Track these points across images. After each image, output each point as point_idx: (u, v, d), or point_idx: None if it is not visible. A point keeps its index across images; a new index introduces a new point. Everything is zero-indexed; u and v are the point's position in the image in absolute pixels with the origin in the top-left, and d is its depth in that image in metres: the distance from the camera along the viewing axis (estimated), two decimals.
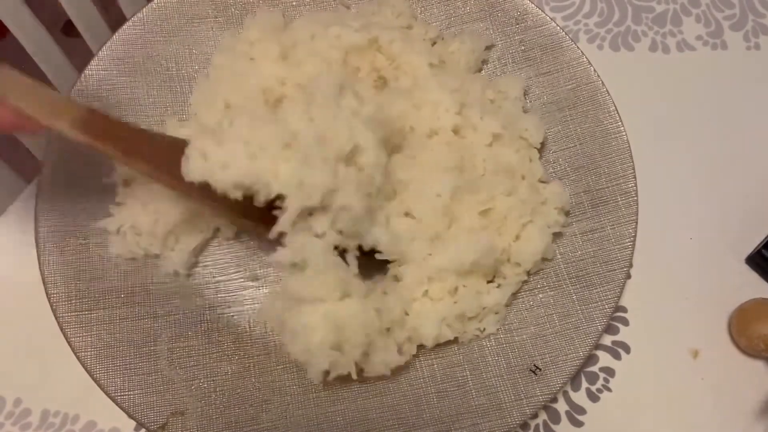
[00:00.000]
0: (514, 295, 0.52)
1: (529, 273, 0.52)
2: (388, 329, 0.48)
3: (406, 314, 0.49)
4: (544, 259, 0.52)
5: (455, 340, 0.50)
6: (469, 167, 0.51)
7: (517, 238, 0.51)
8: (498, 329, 0.50)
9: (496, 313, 0.50)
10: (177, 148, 0.44)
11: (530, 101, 0.58)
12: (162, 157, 0.45)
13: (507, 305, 0.51)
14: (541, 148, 0.56)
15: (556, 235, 0.53)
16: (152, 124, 0.55)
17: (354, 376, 0.46)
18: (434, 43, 0.59)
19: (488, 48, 0.59)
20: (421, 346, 0.49)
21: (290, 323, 0.45)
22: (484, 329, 0.50)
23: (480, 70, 0.60)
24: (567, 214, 0.54)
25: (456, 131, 0.52)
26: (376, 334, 0.46)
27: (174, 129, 0.53)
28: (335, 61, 0.53)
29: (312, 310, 0.44)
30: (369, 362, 0.47)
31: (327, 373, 0.45)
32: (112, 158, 0.45)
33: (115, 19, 0.79)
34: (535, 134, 0.55)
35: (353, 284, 0.46)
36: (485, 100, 0.55)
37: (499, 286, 0.51)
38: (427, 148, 0.51)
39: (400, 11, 0.58)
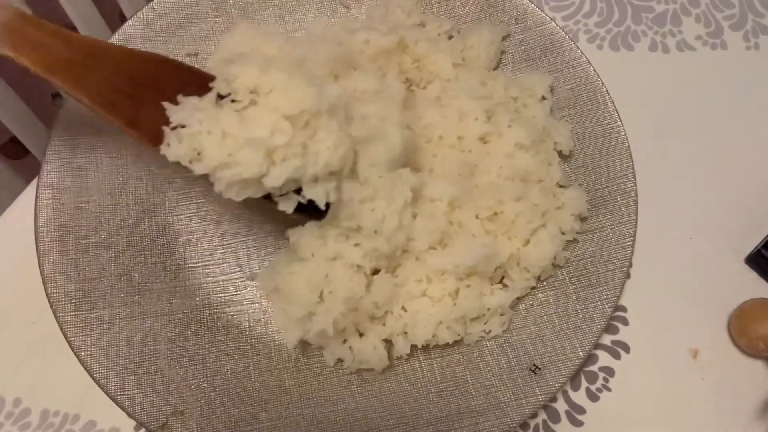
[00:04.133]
0: (518, 297, 0.52)
1: (539, 278, 0.52)
2: (380, 317, 0.49)
3: (404, 309, 0.49)
4: (555, 266, 0.52)
5: (458, 342, 0.50)
6: (483, 173, 0.51)
7: (527, 242, 0.50)
8: (504, 332, 0.50)
9: (502, 315, 0.50)
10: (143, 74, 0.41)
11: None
12: (114, 82, 0.42)
13: (512, 307, 0.51)
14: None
15: (570, 242, 0.53)
16: None
17: (330, 333, 0.46)
18: (450, 37, 0.59)
19: (505, 38, 0.59)
20: (417, 347, 0.49)
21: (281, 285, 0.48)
22: (490, 331, 0.50)
23: (500, 63, 0.59)
24: (583, 220, 0.53)
25: (483, 139, 0.52)
26: (363, 314, 0.48)
27: None
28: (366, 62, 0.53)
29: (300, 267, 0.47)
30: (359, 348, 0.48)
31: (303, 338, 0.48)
32: (35, 73, 0.41)
33: (116, 19, 0.79)
34: (566, 142, 0.54)
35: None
36: (509, 100, 0.55)
37: (504, 287, 0.51)
38: (439, 155, 0.51)
39: (409, 10, 0.58)
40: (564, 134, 0.54)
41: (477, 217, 0.49)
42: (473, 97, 0.52)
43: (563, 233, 0.52)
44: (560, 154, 0.55)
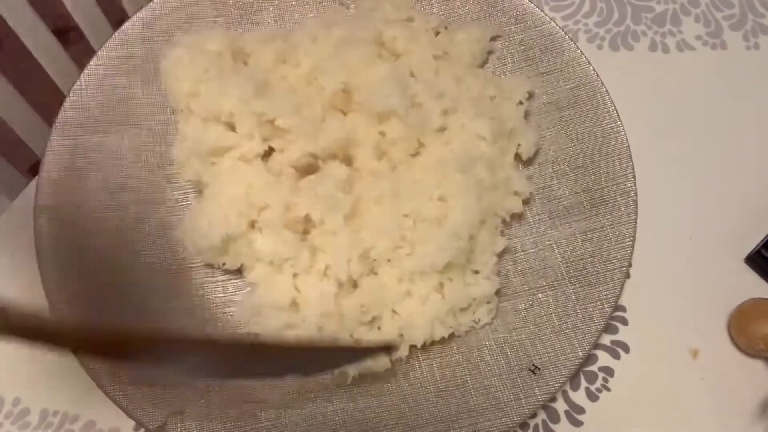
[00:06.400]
0: (513, 294, 0.52)
1: (498, 255, 0.52)
2: (372, 322, 0.49)
3: (395, 312, 0.49)
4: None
5: (452, 337, 0.50)
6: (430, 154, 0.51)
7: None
8: (493, 319, 0.51)
9: (488, 303, 0.51)
10: None
11: (529, 102, 0.58)
12: None
13: (497, 294, 0.51)
14: (538, 151, 0.56)
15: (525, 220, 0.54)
16: (151, 123, 0.55)
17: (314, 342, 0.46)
18: (437, 33, 0.58)
19: (494, 38, 0.59)
20: (415, 347, 0.49)
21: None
22: (479, 320, 0.50)
23: (485, 63, 0.59)
24: (526, 202, 0.54)
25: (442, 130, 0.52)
26: (353, 320, 0.48)
27: None
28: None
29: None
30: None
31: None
32: None
33: (118, 18, 0.79)
34: (528, 147, 0.54)
35: None
36: (486, 98, 0.55)
37: (477, 272, 0.51)
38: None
39: (399, 4, 0.58)
40: (530, 140, 0.54)
41: (430, 199, 0.49)
42: (432, 96, 0.52)
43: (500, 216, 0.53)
44: (521, 158, 0.55)
